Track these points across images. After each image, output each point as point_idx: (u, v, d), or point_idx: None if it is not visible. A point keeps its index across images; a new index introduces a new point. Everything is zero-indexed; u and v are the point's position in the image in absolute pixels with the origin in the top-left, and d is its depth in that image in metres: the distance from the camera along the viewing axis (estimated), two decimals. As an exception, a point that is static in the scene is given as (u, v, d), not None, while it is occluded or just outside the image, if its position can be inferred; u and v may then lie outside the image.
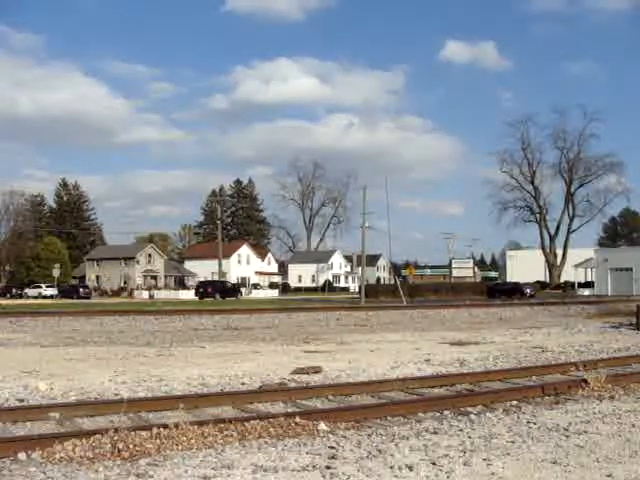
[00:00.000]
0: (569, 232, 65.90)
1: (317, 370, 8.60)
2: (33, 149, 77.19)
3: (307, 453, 4.63)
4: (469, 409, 6.40)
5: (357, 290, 61.17)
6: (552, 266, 65.10)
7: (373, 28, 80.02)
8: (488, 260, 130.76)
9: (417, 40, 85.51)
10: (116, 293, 68.48)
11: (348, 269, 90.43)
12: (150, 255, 75.90)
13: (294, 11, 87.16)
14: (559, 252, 65.71)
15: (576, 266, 54.48)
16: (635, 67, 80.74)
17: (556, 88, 78.41)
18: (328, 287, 76.47)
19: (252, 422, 5.39)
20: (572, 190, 65.16)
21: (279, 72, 79.39)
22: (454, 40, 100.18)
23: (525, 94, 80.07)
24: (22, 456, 4.52)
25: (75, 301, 46.40)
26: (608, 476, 4.19)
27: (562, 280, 61.72)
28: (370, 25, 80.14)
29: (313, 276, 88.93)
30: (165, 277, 77.29)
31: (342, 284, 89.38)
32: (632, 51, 77.81)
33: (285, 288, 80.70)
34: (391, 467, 4.31)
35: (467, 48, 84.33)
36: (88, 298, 54.94)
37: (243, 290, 72.52)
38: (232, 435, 5.07)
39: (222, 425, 5.26)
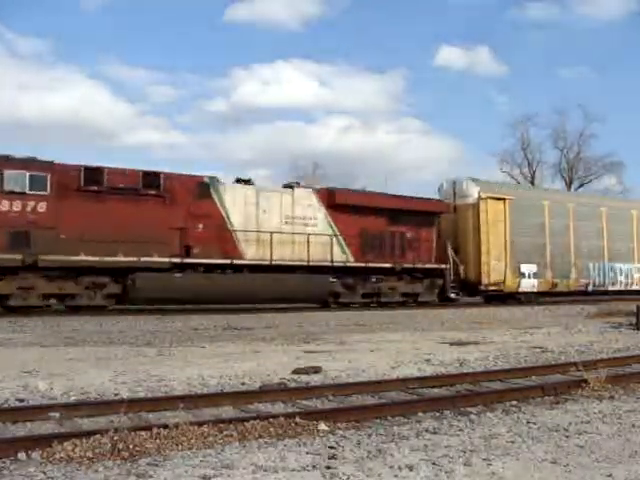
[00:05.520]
0: (569, 232, 65.91)
1: (317, 370, 8.59)
2: (35, 151, 77.26)
3: (307, 453, 4.63)
4: (469, 409, 6.40)
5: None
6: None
7: (371, 33, 79.88)
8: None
9: (415, 45, 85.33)
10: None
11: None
12: (150, 255, 75.70)
13: (293, 20, 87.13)
14: (559, 252, 65.74)
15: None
16: (630, 71, 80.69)
17: (552, 92, 78.44)
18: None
19: (252, 422, 5.39)
20: (572, 190, 65.20)
21: (278, 75, 79.40)
22: (450, 45, 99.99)
23: (522, 97, 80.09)
24: (22, 456, 4.52)
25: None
26: (608, 476, 4.19)
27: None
28: (368, 30, 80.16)
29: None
30: (165, 277, 77.14)
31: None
32: (627, 56, 77.76)
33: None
34: (391, 467, 4.32)
35: (463, 53, 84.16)
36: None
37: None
38: (232, 435, 5.07)
39: (222, 425, 5.26)
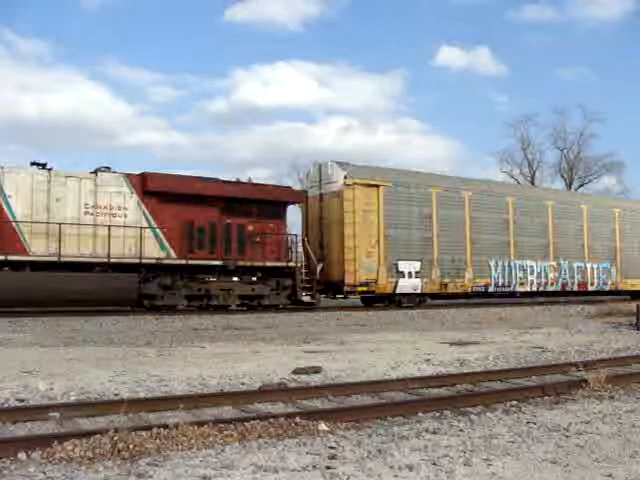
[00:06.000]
0: (569, 232, 65.84)
1: (317, 370, 8.60)
2: (35, 151, 77.06)
3: (307, 453, 4.63)
4: (469, 409, 6.40)
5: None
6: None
7: (371, 33, 79.98)
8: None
9: (415, 45, 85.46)
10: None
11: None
12: (149, 255, 75.47)
13: (293, 20, 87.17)
14: (559, 252, 65.66)
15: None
16: (630, 71, 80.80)
17: (552, 92, 78.58)
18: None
19: (252, 422, 5.39)
20: (572, 190, 65.23)
21: (278, 76, 79.53)
22: (450, 45, 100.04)
23: (521, 97, 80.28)
24: (22, 456, 4.52)
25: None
26: (608, 476, 4.19)
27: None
28: (368, 30, 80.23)
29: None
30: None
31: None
32: (627, 56, 77.86)
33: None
34: (391, 467, 4.32)
35: (463, 53, 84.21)
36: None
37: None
38: (232, 435, 5.07)
39: (222, 425, 5.26)
